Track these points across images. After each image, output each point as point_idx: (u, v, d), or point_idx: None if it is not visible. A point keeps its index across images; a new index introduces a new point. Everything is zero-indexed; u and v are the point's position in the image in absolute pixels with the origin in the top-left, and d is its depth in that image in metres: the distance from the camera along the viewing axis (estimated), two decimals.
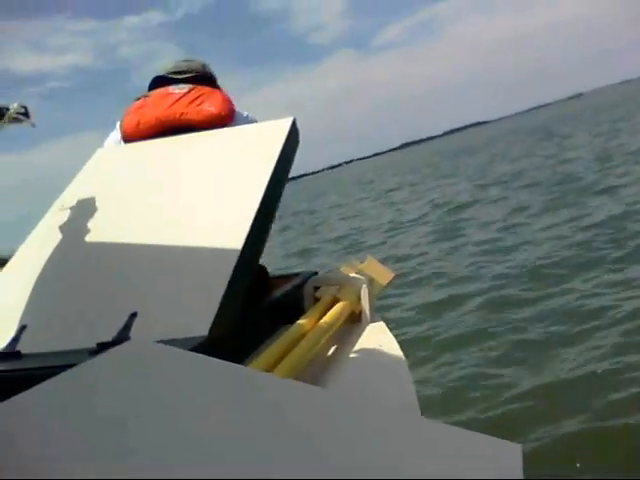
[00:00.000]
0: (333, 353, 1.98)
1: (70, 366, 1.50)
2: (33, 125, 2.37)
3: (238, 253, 1.80)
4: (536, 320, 5.61)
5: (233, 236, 1.85)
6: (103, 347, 1.59)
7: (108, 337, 1.65)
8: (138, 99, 2.66)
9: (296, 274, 2.50)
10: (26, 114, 2.34)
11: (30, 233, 2.22)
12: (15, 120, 2.28)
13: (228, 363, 1.05)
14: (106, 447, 0.79)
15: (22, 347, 1.74)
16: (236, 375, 1.03)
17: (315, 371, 1.78)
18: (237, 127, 2.55)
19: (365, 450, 0.77)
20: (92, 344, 1.62)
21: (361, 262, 2.51)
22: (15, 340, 1.76)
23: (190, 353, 1.14)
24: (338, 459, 0.75)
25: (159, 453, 0.78)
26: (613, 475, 3.30)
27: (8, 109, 2.25)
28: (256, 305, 2.03)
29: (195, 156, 2.34)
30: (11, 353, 1.72)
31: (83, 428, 0.85)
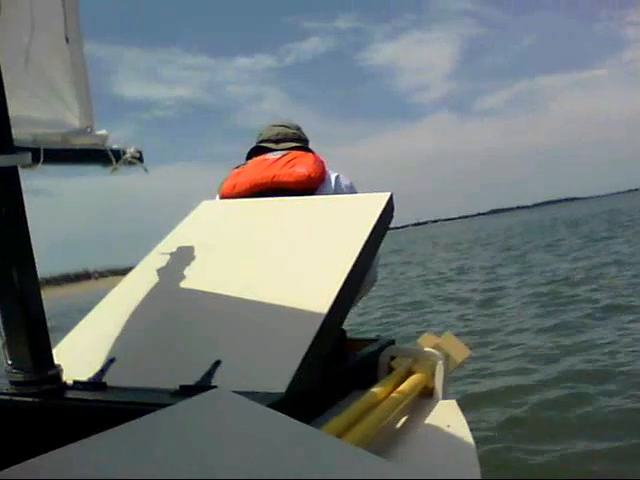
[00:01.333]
0: (402, 426, 1.99)
1: (151, 404, 1.58)
2: (146, 170, 2.50)
3: (323, 317, 1.87)
4: None
5: (320, 300, 1.92)
6: (185, 390, 1.66)
7: (190, 381, 1.73)
8: (237, 167, 2.88)
9: (373, 339, 2.53)
10: (140, 159, 2.48)
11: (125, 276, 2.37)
12: (130, 163, 2.42)
13: (304, 425, 1.10)
14: None
15: (108, 379, 1.84)
16: (310, 438, 1.07)
17: (382, 442, 1.80)
18: (334, 196, 2.68)
19: None
20: (175, 385, 1.71)
21: (439, 336, 2.52)
22: (102, 371, 1.86)
23: (269, 410, 1.19)
24: None
25: None
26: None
27: (125, 152, 2.39)
28: (332, 367, 2.05)
29: (292, 219, 2.46)
30: (97, 383, 1.81)
31: (162, 472, 0.89)
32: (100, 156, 2.34)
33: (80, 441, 0.97)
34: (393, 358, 2.32)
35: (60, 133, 2.19)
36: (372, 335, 2.73)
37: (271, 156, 2.81)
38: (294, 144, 2.92)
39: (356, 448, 1.11)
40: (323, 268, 2.11)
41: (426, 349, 2.37)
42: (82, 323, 2.17)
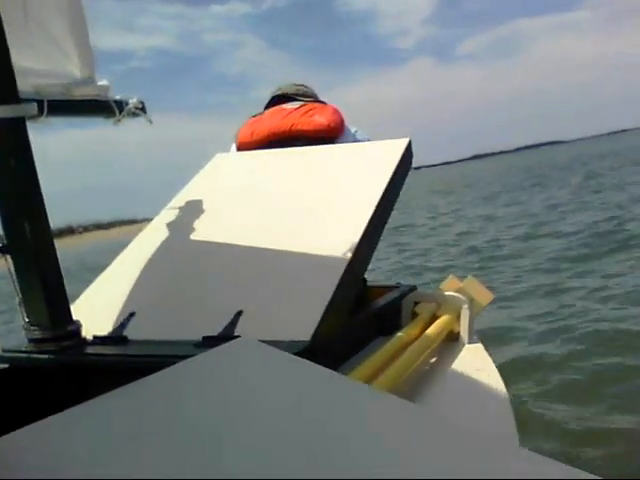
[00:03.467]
0: (429, 371, 1.98)
1: (175, 356, 1.55)
2: (150, 122, 2.45)
3: (345, 265, 1.85)
4: None
5: (342, 248, 1.90)
6: (208, 340, 1.64)
7: (213, 331, 1.71)
8: (254, 116, 2.85)
9: (394, 286, 2.51)
10: (143, 109, 2.42)
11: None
12: (133, 115, 2.36)
13: (332, 372, 1.07)
14: (205, 445, 0.81)
15: (129, 333, 1.81)
16: (339, 384, 1.05)
17: (411, 387, 1.79)
18: (352, 144, 2.67)
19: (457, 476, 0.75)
20: (197, 337, 1.69)
21: (461, 280, 2.49)
22: (122, 326, 1.83)
23: (297, 358, 1.16)
24: None
25: (256, 455, 0.79)
26: None
27: (127, 103, 2.33)
28: (355, 314, 2.04)
29: (310, 168, 2.43)
30: (118, 337, 1.79)
31: (188, 423, 0.87)
32: (103, 107, 2.28)
33: (103, 395, 0.95)
34: (416, 304, 2.31)
35: (62, 84, 2.13)
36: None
37: (289, 106, 2.78)
38: (314, 99, 2.90)
39: (387, 394, 1.08)
40: (344, 216, 2.08)
41: (450, 293, 2.35)
42: (99, 279, 2.14)
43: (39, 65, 2.05)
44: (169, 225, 2.25)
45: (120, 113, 2.31)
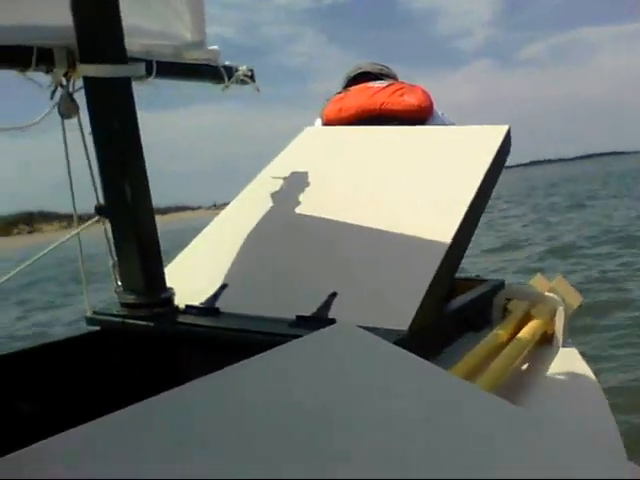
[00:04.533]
0: (525, 374, 1.86)
1: (268, 334, 1.50)
2: (257, 90, 2.39)
3: (443, 253, 1.75)
4: None
5: (438, 236, 1.81)
6: (302, 320, 1.58)
7: (306, 311, 1.64)
8: (339, 93, 2.79)
9: (482, 280, 2.38)
10: (252, 77, 2.36)
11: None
12: (242, 82, 2.31)
13: (436, 367, 1.03)
14: (313, 430, 0.81)
15: (220, 305, 1.76)
16: (445, 381, 1.01)
17: (508, 390, 1.67)
18: (448, 127, 2.58)
19: None
20: (288, 315, 1.64)
21: (550, 280, 2.34)
22: (215, 297, 1.79)
23: (399, 348, 1.11)
24: None
25: (361, 442, 0.78)
26: None
27: (237, 70, 2.28)
28: (445, 306, 1.93)
29: (404, 148, 2.31)
30: (211, 309, 1.75)
31: (295, 408, 0.86)
32: (212, 73, 2.23)
33: (206, 376, 0.90)
34: (508, 300, 2.18)
35: (173, 45, 2.09)
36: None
37: (376, 84, 2.71)
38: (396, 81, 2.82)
39: (495, 396, 1.02)
40: (441, 201, 1.97)
41: (545, 293, 2.20)
42: (189, 248, 2.11)
43: (151, 25, 2.01)
44: (258, 198, 2.19)
45: (229, 79, 2.26)
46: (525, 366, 1.88)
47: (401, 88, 2.63)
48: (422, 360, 1.02)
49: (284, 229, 2.04)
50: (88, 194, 1.79)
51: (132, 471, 0.68)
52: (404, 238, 1.84)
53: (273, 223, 2.08)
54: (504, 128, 2.27)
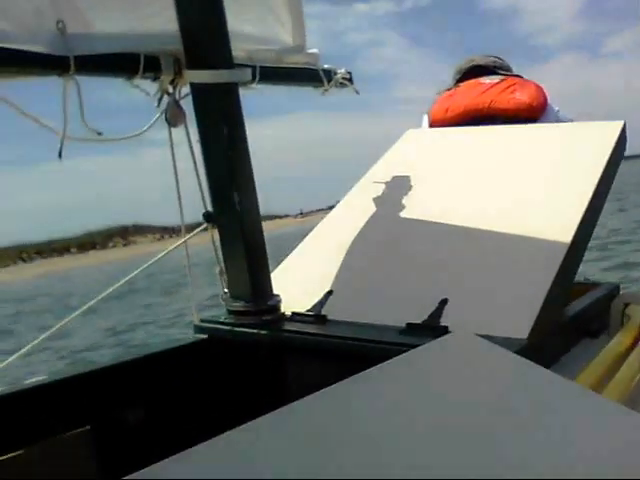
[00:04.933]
0: None
1: (379, 342, 1.45)
2: (357, 92, 2.36)
3: (562, 256, 1.68)
4: None
5: (557, 238, 1.73)
6: (413, 328, 1.55)
7: (415, 318, 1.60)
8: (449, 89, 2.71)
9: (595, 283, 2.27)
10: (351, 80, 2.33)
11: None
12: (341, 85, 2.28)
13: (564, 379, 1.00)
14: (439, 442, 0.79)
15: (327, 312, 1.73)
16: (571, 391, 0.98)
17: (634, 399, 1.59)
18: (559, 124, 2.45)
19: None
20: (398, 322, 1.59)
21: None
22: (321, 304, 1.76)
23: (522, 359, 1.06)
24: None
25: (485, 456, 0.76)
26: None
27: (336, 73, 2.25)
28: (562, 312, 1.84)
29: (512, 148, 2.23)
30: (318, 316, 1.72)
31: (418, 419, 0.85)
32: (312, 76, 2.21)
33: (321, 391, 0.89)
34: (626, 305, 2.06)
35: (274, 50, 2.08)
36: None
37: (487, 80, 2.60)
38: (511, 74, 2.70)
39: (623, 406, 0.98)
40: (557, 204, 1.88)
41: None
42: (294, 254, 2.08)
43: (253, 30, 2.00)
44: (362, 203, 2.14)
45: (328, 83, 2.23)
46: None
47: (513, 84, 2.53)
48: (547, 371, 0.99)
49: (388, 234, 2.00)
50: (191, 205, 1.80)
51: None
52: (518, 242, 1.76)
53: (377, 229, 2.03)
54: (619, 124, 2.16)
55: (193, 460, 0.71)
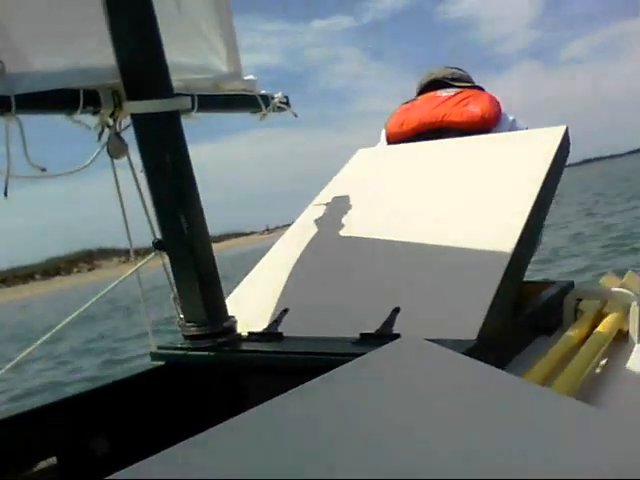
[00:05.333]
0: (602, 374, 1.81)
1: (334, 354, 1.49)
2: (295, 115, 2.40)
3: (509, 258, 1.73)
4: None
5: (503, 241, 1.79)
6: (367, 338, 1.57)
7: (369, 329, 1.63)
8: (406, 103, 2.75)
9: (550, 282, 2.34)
10: (288, 104, 2.38)
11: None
12: (278, 109, 2.32)
13: (509, 375, 1.03)
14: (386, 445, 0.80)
15: (283, 329, 1.76)
16: (520, 388, 1.00)
17: (585, 391, 1.64)
18: (505, 133, 2.52)
19: None
20: (353, 334, 1.61)
21: (621, 277, 2.30)
22: (277, 322, 1.79)
23: (470, 359, 1.10)
24: None
25: (435, 458, 0.77)
26: None
27: (273, 98, 2.29)
28: (514, 312, 1.90)
29: (461, 160, 2.30)
30: (274, 334, 1.74)
31: (365, 425, 0.86)
32: (249, 102, 2.24)
33: (271, 400, 0.90)
34: (579, 301, 2.13)
35: (210, 79, 2.11)
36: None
37: (444, 93, 2.67)
38: (470, 84, 2.77)
39: (571, 399, 1.04)
40: (503, 210, 1.95)
41: (617, 289, 2.16)
42: (248, 278, 2.11)
43: (189, 60, 2.03)
44: (315, 222, 2.19)
45: (266, 107, 2.27)
46: (601, 366, 1.84)
47: (467, 97, 2.59)
48: (494, 369, 1.01)
49: (341, 250, 2.04)
50: (145, 228, 1.80)
51: None
52: (465, 248, 1.82)
53: (330, 245, 2.08)
54: (561, 129, 2.25)
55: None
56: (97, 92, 1.74)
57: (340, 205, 2.23)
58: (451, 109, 2.54)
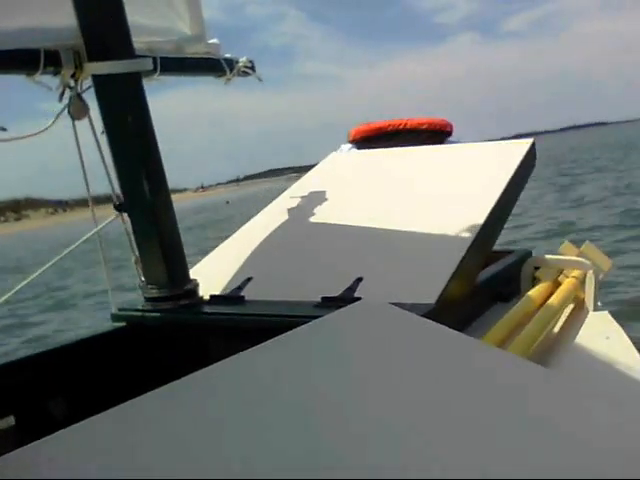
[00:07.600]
0: (557, 339, 1.88)
1: (294, 316, 1.51)
2: (260, 79, 2.40)
3: (476, 231, 1.81)
4: None
5: (472, 217, 1.87)
6: (328, 301, 1.59)
7: (331, 294, 1.65)
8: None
9: (509, 251, 2.40)
10: (252, 68, 2.37)
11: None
12: (243, 73, 2.32)
13: (466, 336, 1.03)
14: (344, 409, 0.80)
15: (246, 294, 1.78)
16: (476, 349, 1.02)
17: (540, 355, 1.70)
18: (472, 144, 2.72)
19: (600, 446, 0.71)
20: (315, 298, 1.64)
21: (578, 246, 2.35)
22: (239, 288, 1.80)
23: (426, 320, 1.12)
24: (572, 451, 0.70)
25: (394, 420, 0.77)
26: None
27: (237, 62, 2.28)
28: (474, 279, 1.95)
29: (426, 167, 2.40)
30: (235, 297, 1.76)
31: (320, 388, 0.86)
32: (213, 66, 2.24)
33: (227, 359, 0.91)
34: (536, 269, 2.20)
35: (174, 41, 2.10)
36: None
37: None
38: None
39: (526, 360, 1.04)
40: (470, 200, 2.03)
41: (573, 258, 2.22)
42: (217, 250, 2.14)
43: (151, 22, 2.01)
44: (283, 211, 2.25)
45: (230, 72, 2.26)
46: (556, 331, 1.90)
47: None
48: (451, 330, 1.03)
49: (310, 232, 2.10)
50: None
51: (141, 459, 0.69)
52: (429, 232, 1.89)
53: (299, 229, 2.14)
54: (527, 143, 2.32)
55: (66, 441, 0.75)
56: (58, 52, 1.72)
57: (307, 199, 2.30)
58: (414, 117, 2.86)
